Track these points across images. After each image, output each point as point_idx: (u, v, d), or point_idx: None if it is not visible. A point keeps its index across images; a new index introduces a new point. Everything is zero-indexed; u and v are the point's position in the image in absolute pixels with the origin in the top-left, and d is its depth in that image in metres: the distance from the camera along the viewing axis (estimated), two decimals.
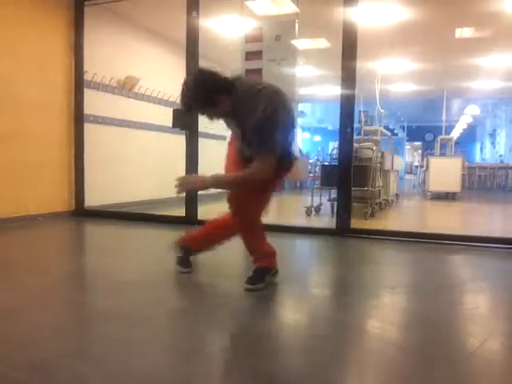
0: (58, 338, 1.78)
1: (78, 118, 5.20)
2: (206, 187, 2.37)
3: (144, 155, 6.45)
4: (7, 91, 4.46)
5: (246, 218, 2.46)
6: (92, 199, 5.29)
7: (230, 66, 7.87)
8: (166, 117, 4.95)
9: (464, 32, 6.39)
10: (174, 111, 4.71)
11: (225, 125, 2.53)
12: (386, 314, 2.20)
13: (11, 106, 4.50)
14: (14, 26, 4.50)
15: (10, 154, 4.50)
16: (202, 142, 4.88)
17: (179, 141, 4.83)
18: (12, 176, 4.52)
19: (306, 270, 3.21)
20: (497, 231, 5.27)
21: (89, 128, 5.31)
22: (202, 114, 2.34)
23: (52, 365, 1.53)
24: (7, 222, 4.36)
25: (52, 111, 4.99)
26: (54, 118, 5.02)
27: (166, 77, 6.76)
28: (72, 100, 5.18)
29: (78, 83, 5.18)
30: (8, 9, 4.44)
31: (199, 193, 4.76)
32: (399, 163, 9.32)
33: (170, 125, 4.68)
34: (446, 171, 8.85)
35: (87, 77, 5.31)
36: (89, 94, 5.32)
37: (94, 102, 5.44)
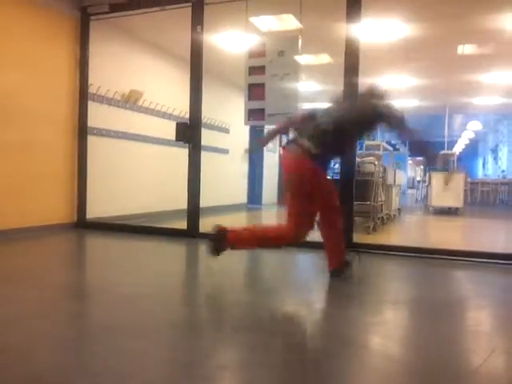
0: (57, 350, 1.77)
1: (82, 131, 5.24)
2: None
3: (147, 168, 6.48)
4: (14, 104, 4.50)
5: None
6: (94, 211, 5.30)
7: (233, 81, 7.97)
8: (169, 130, 4.98)
9: (466, 48, 6.45)
10: (178, 125, 4.75)
11: None
12: (387, 330, 2.18)
13: (17, 118, 4.53)
14: (21, 40, 4.56)
15: (14, 165, 4.52)
16: (205, 156, 4.90)
17: (182, 154, 4.86)
18: (15, 187, 4.54)
19: (306, 284, 3.19)
20: (499, 247, 5.24)
21: (92, 140, 5.34)
22: None
23: (50, 377, 1.52)
24: (10, 233, 4.36)
25: (57, 124, 5.03)
26: (58, 130, 5.06)
27: (169, 91, 6.81)
28: (76, 113, 5.22)
29: (83, 96, 5.23)
30: (15, 24, 4.50)
31: (201, 206, 4.78)
32: (401, 178, 9.33)
33: (174, 138, 4.72)
34: (448, 186, 8.84)
35: (92, 90, 5.36)
36: (93, 107, 5.36)
37: (98, 115, 5.49)
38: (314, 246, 4.43)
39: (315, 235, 3.01)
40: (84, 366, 1.65)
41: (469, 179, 12.51)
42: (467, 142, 19.53)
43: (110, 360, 1.68)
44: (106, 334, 1.95)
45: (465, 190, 9.31)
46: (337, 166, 5.72)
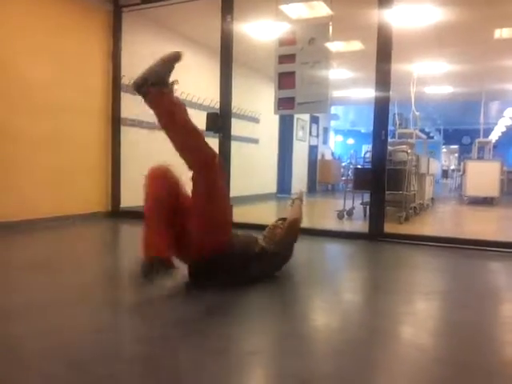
0: (96, 336, 1.83)
1: (116, 122, 5.35)
2: None
3: (177, 157, 6.54)
4: (49, 96, 4.63)
5: None
6: (128, 200, 5.41)
7: (264, 70, 7.94)
8: (200, 120, 5.01)
9: (503, 32, 6.22)
10: (208, 115, 4.78)
11: None
12: (419, 321, 2.16)
13: (52, 110, 4.66)
14: (56, 33, 4.67)
15: (50, 156, 4.66)
16: (235, 145, 4.92)
17: (212, 143, 4.88)
18: (52, 177, 4.68)
19: (337, 274, 3.19)
20: None
21: (126, 131, 5.45)
22: None
23: (89, 362, 1.57)
24: (47, 221, 4.52)
25: (90, 115, 5.15)
26: (92, 121, 5.18)
27: (200, 81, 6.85)
28: (110, 104, 5.33)
29: (116, 87, 5.33)
30: (50, 18, 4.61)
31: (231, 195, 4.80)
32: (435, 167, 9.14)
33: (204, 128, 4.75)
34: (483, 175, 8.62)
35: (124, 81, 5.45)
36: (126, 98, 5.45)
37: (130, 106, 5.57)
38: (344, 235, 4.43)
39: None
40: (122, 351, 1.71)
41: (505, 168, 12.13)
42: (504, 129, 18.91)
43: (148, 346, 1.73)
44: (143, 321, 2.01)
45: (501, 179, 9.03)
46: (368, 155, 5.65)
